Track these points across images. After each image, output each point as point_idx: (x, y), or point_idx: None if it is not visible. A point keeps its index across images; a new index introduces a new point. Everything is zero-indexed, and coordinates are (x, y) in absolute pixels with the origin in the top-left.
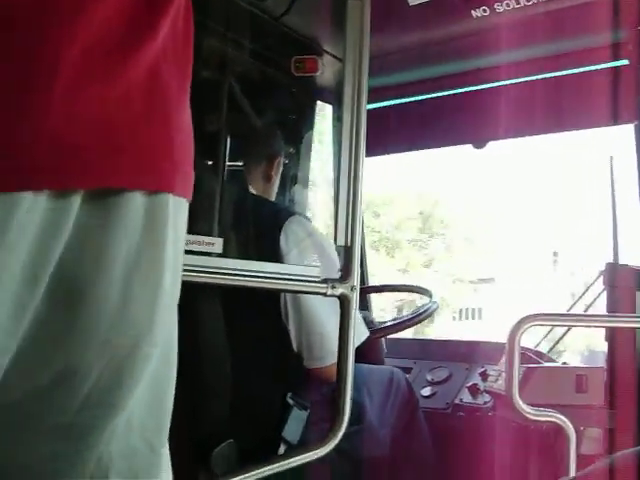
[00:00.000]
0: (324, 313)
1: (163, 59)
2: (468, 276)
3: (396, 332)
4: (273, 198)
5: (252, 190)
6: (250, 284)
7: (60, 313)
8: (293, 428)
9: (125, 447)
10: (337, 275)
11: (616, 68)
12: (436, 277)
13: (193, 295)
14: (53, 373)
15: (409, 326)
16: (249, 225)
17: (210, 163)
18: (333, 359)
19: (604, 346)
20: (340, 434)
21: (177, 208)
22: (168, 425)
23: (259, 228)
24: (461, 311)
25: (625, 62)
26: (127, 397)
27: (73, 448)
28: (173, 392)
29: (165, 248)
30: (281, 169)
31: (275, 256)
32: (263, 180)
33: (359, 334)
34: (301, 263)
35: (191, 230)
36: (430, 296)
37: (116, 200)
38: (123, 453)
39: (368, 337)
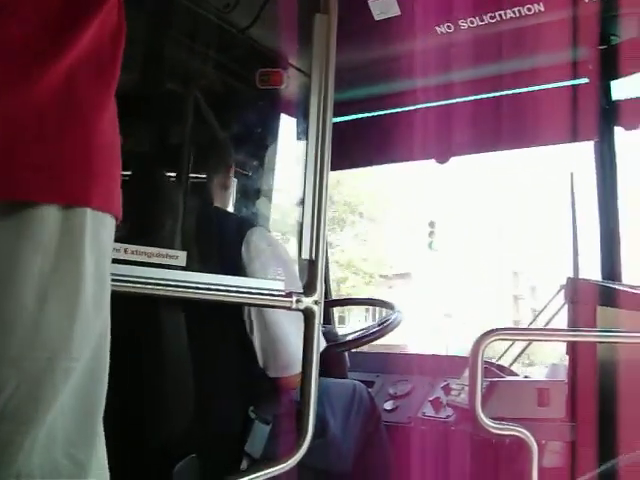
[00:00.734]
0: (288, 323)
1: (82, 71)
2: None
3: (359, 346)
4: (231, 208)
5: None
6: (214, 298)
7: None
8: (256, 442)
9: (47, 462)
10: (298, 285)
11: (576, 86)
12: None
13: (156, 308)
14: None
15: (372, 340)
16: (211, 237)
17: (173, 175)
18: (298, 369)
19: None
20: (304, 448)
21: (97, 222)
22: (97, 440)
23: (221, 240)
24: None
25: (585, 80)
26: (46, 411)
27: None
28: (102, 407)
29: (83, 263)
30: (234, 179)
31: (237, 267)
32: (220, 191)
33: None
34: (262, 274)
35: (154, 243)
36: (393, 308)
37: (25, 213)
38: (45, 468)
39: (326, 348)
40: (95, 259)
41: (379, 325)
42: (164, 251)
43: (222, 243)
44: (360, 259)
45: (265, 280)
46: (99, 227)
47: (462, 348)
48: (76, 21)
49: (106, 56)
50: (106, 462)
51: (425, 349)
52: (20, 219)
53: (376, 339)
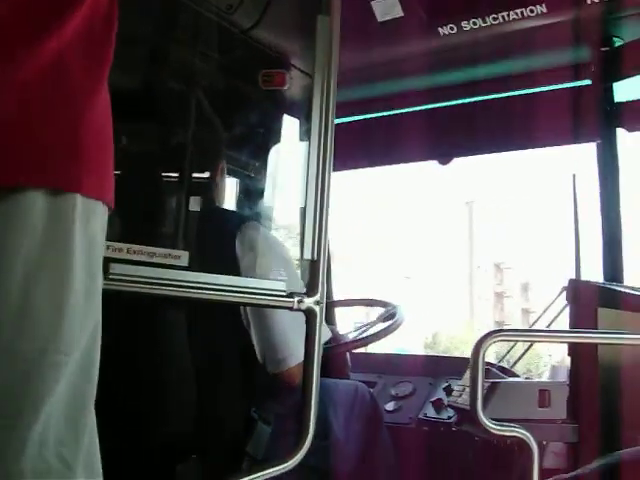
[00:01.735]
0: (285, 317)
1: (71, 55)
2: None
3: (362, 346)
4: (227, 206)
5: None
6: (216, 298)
7: None
8: (257, 443)
9: (39, 464)
10: (295, 281)
11: (579, 88)
12: None
13: (156, 307)
14: None
15: (375, 340)
16: (206, 234)
17: (169, 175)
18: (297, 360)
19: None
20: (305, 448)
21: (88, 209)
22: (86, 441)
23: (216, 236)
24: None
25: (588, 82)
26: (36, 408)
27: None
28: (93, 407)
29: (72, 250)
30: (225, 177)
31: (232, 261)
32: (212, 187)
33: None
34: (257, 267)
35: (154, 242)
36: (396, 309)
37: (13, 197)
38: (37, 469)
39: (328, 348)
40: (86, 249)
41: (378, 320)
42: (167, 251)
43: (218, 239)
44: None
45: (267, 280)
46: (90, 215)
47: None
48: (65, 3)
49: (97, 40)
50: (98, 461)
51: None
52: (6, 203)
53: (379, 339)
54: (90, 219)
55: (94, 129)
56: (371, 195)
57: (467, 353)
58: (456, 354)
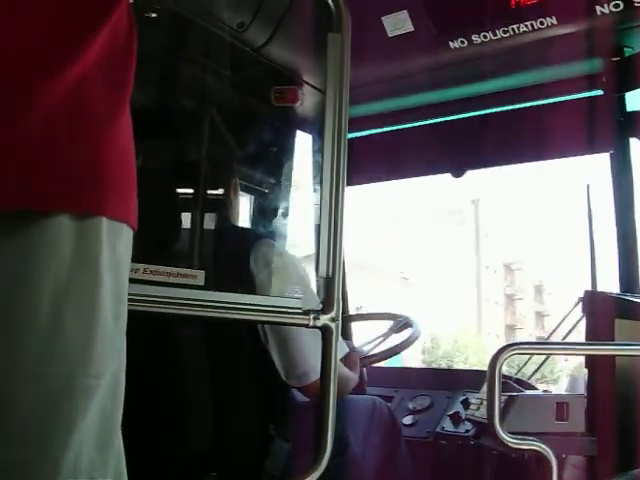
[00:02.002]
0: (304, 331)
1: (94, 77)
2: None
3: (380, 361)
4: (241, 224)
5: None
6: (232, 316)
7: None
8: (276, 460)
9: None
10: (310, 298)
11: (591, 98)
12: None
13: (172, 326)
14: None
15: (393, 355)
16: (221, 252)
17: (183, 193)
18: (315, 376)
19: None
20: (323, 465)
21: (114, 232)
22: (114, 463)
23: (231, 254)
24: None
25: (600, 92)
26: (68, 433)
27: None
28: (120, 428)
29: (100, 273)
30: (238, 194)
31: (246, 279)
32: (227, 205)
33: (340, 350)
34: (271, 285)
35: (170, 262)
36: (412, 323)
37: (38, 223)
38: None
39: (351, 353)
40: (113, 272)
41: (390, 330)
42: (183, 271)
43: (232, 257)
44: None
45: (282, 298)
46: (115, 238)
47: None
48: (86, 28)
49: (118, 63)
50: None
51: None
52: (34, 229)
53: (396, 353)
54: (116, 242)
55: (117, 152)
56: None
57: (471, 358)
58: (457, 360)
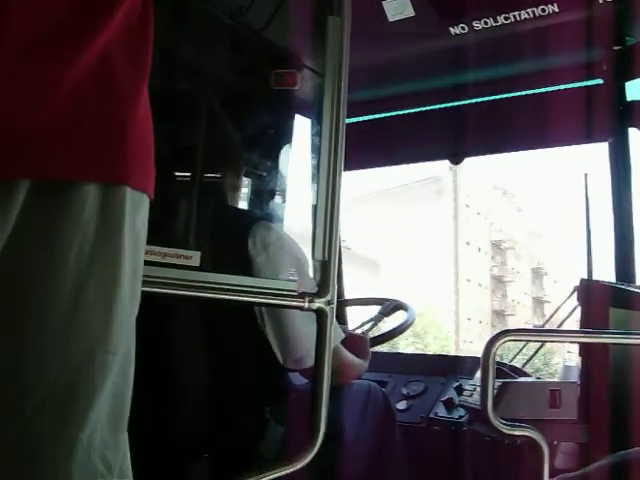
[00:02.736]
0: (301, 315)
1: (116, 52)
2: None
3: (377, 345)
4: (242, 205)
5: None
6: (227, 297)
7: (1, 311)
8: (270, 443)
9: (86, 468)
10: (308, 281)
11: (591, 87)
12: None
13: (169, 307)
14: None
15: (390, 339)
16: (220, 234)
17: (185, 176)
18: (312, 361)
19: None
20: (316, 449)
21: (135, 203)
22: (123, 442)
23: (227, 235)
24: None
25: (599, 81)
26: (85, 409)
27: (25, 463)
28: (129, 407)
29: (122, 248)
30: (248, 178)
31: (244, 261)
32: (231, 190)
33: (336, 337)
34: (269, 268)
35: (167, 243)
36: (407, 308)
37: (66, 192)
38: (84, 473)
39: (345, 339)
40: (132, 246)
41: (380, 313)
42: (178, 251)
43: (230, 239)
44: None
45: (277, 280)
46: (137, 209)
47: None
48: (106, 3)
49: (137, 39)
50: (129, 463)
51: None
52: (60, 199)
53: (392, 338)
54: (137, 213)
55: (139, 123)
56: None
57: (432, 346)
58: (429, 340)
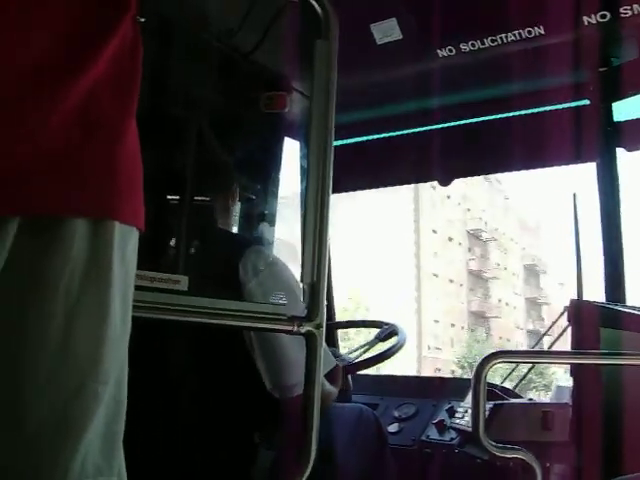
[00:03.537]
0: (290, 341)
1: (104, 87)
2: None
3: (366, 368)
4: (234, 229)
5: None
6: (215, 322)
7: None
8: (260, 468)
9: None
10: (299, 306)
11: (578, 108)
12: None
13: (156, 331)
14: None
15: (379, 362)
16: (210, 259)
17: (175, 199)
18: (300, 389)
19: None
20: (306, 473)
21: (125, 236)
22: (117, 465)
23: (218, 259)
24: None
25: (586, 102)
26: (77, 438)
27: None
28: (123, 429)
29: (111, 280)
30: (237, 199)
31: (235, 287)
32: (223, 212)
33: (327, 364)
34: (260, 293)
35: (156, 267)
36: (397, 330)
37: (56, 227)
38: None
39: (336, 366)
40: (122, 278)
41: (376, 338)
42: (167, 276)
43: (221, 263)
44: None
45: (266, 304)
46: (126, 242)
47: None
48: (98, 38)
49: (126, 70)
50: None
51: None
52: (50, 234)
53: (382, 361)
54: (126, 247)
55: (128, 156)
56: None
57: None
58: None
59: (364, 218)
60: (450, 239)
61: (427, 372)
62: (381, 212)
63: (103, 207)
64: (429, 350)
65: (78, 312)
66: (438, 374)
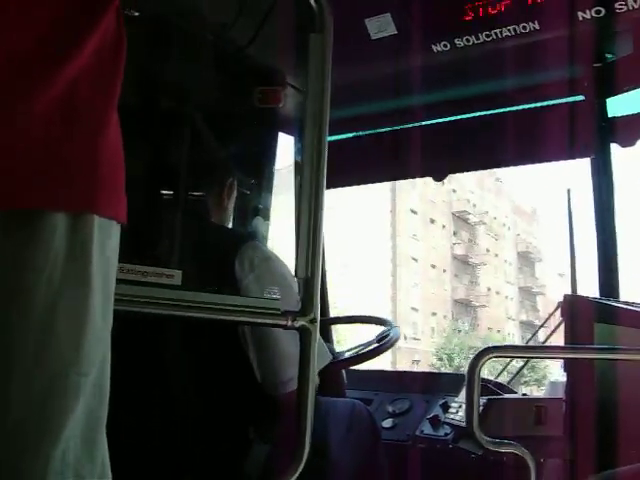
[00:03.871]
0: (284, 337)
1: (85, 80)
2: None
3: (358, 364)
4: (229, 224)
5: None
6: (209, 316)
7: None
8: (255, 463)
9: None
10: (295, 301)
11: (572, 103)
12: None
13: (150, 327)
14: None
15: (372, 357)
16: (205, 253)
17: (169, 194)
18: (295, 385)
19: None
20: (300, 468)
21: (104, 230)
22: (102, 461)
23: (214, 255)
24: None
25: (581, 98)
26: (58, 429)
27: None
28: (105, 425)
29: (91, 273)
30: (234, 194)
31: (231, 283)
32: (217, 207)
33: (322, 358)
34: (257, 289)
35: (149, 261)
36: (390, 325)
37: (35, 221)
38: None
39: (331, 362)
40: (103, 270)
41: (377, 341)
42: (160, 270)
43: (217, 259)
44: None
45: (261, 299)
46: (106, 236)
47: None
48: (81, 30)
49: (108, 63)
50: (108, 472)
51: None
52: (30, 228)
53: (375, 356)
54: (106, 240)
55: (108, 150)
56: None
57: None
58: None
59: (335, 197)
60: (432, 221)
61: (403, 364)
62: (355, 191)
63: (82, 201)
64: (405, 341)
65: (58, 307)
66: (415, 367)
